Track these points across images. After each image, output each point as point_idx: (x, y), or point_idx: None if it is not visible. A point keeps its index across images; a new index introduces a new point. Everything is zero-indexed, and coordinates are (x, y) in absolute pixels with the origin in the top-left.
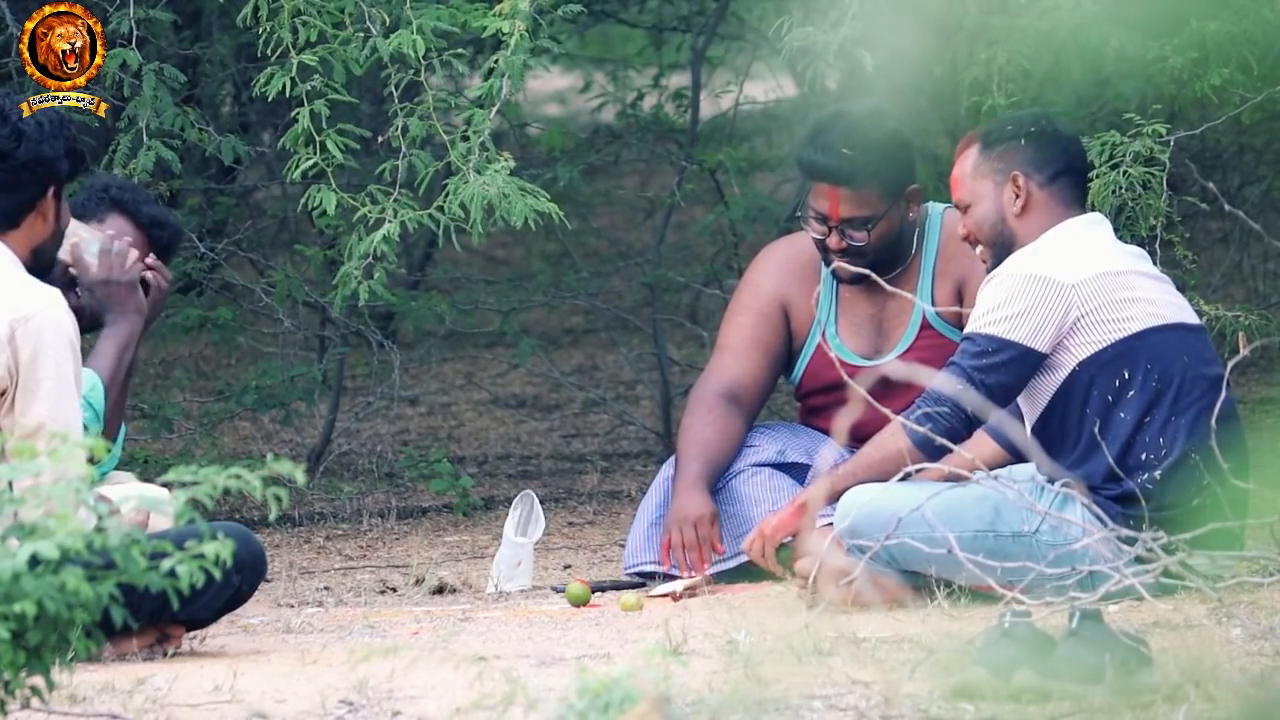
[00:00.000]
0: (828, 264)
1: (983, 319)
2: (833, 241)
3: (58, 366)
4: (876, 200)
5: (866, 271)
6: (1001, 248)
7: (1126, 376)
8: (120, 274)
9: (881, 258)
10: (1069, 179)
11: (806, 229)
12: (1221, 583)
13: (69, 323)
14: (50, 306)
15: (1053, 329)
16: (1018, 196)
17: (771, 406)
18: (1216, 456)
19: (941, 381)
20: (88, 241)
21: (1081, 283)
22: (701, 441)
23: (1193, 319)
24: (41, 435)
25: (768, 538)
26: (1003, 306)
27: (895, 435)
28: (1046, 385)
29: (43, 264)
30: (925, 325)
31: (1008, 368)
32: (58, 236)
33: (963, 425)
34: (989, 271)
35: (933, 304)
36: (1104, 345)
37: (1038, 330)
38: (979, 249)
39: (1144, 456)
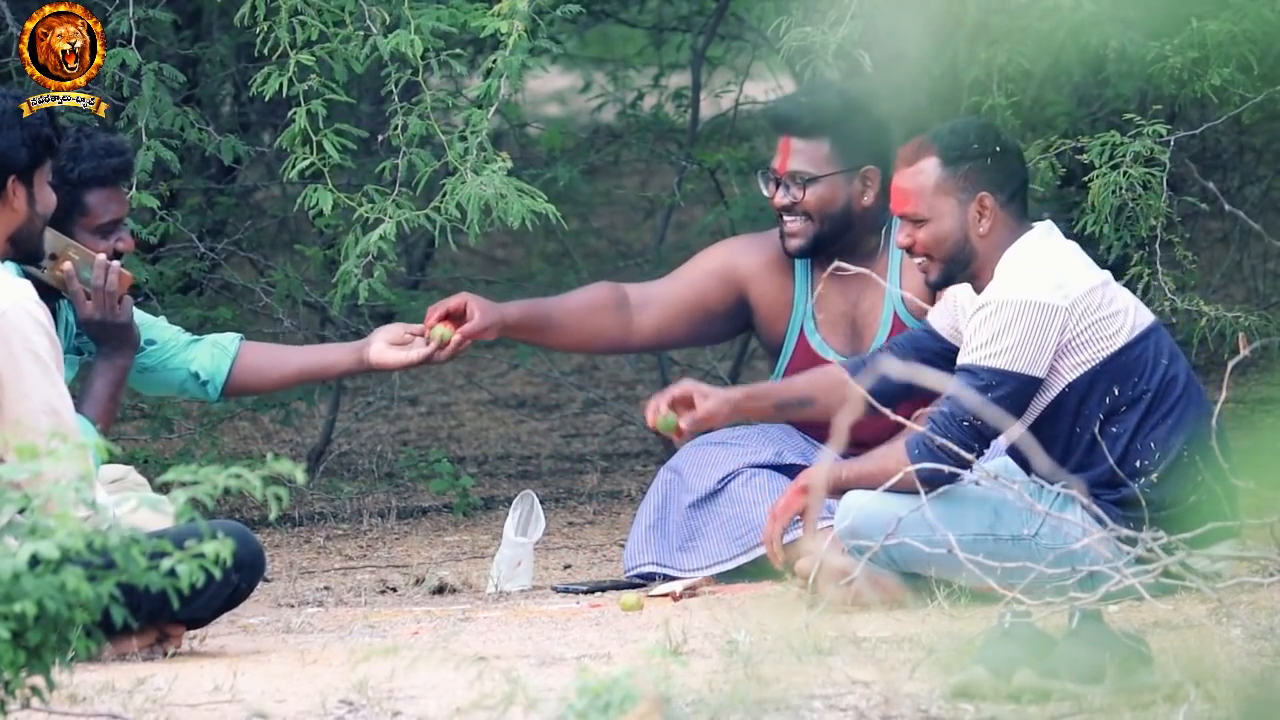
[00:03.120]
0: (783, 240)
1: (981, 350)
2: (777, 197)
3: (37, 357)
4: (824, 159)
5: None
6: (957, 265)
7: (1116, 392)
8: (113, 315)
9: (828, 234)
10: (1022, 194)
11: (764, 195)
12: (1221, 582)
13: (41, 313)
14: (20, 299)
15: (1050, 352)
16: (982, 216)
17: None
18: (1206, 451)
19: (946, 416)
20: (80, 265)
21: (1073, 305)
22: (558, 299)
23: (1151, 315)
24: (36, 427)
25: (776, 517)
26: (1000, 337)
27: (900, 460)
28: (1035, 405)
29: (24, 251)
30: (897, 320)
31: (1012, 397)
32: (35, 221)
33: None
34: (930, 281)
35: (900, 297)
36: (1092, 365)
37: (1037, 357)
38: (922, 260)
39: (1139, 463)
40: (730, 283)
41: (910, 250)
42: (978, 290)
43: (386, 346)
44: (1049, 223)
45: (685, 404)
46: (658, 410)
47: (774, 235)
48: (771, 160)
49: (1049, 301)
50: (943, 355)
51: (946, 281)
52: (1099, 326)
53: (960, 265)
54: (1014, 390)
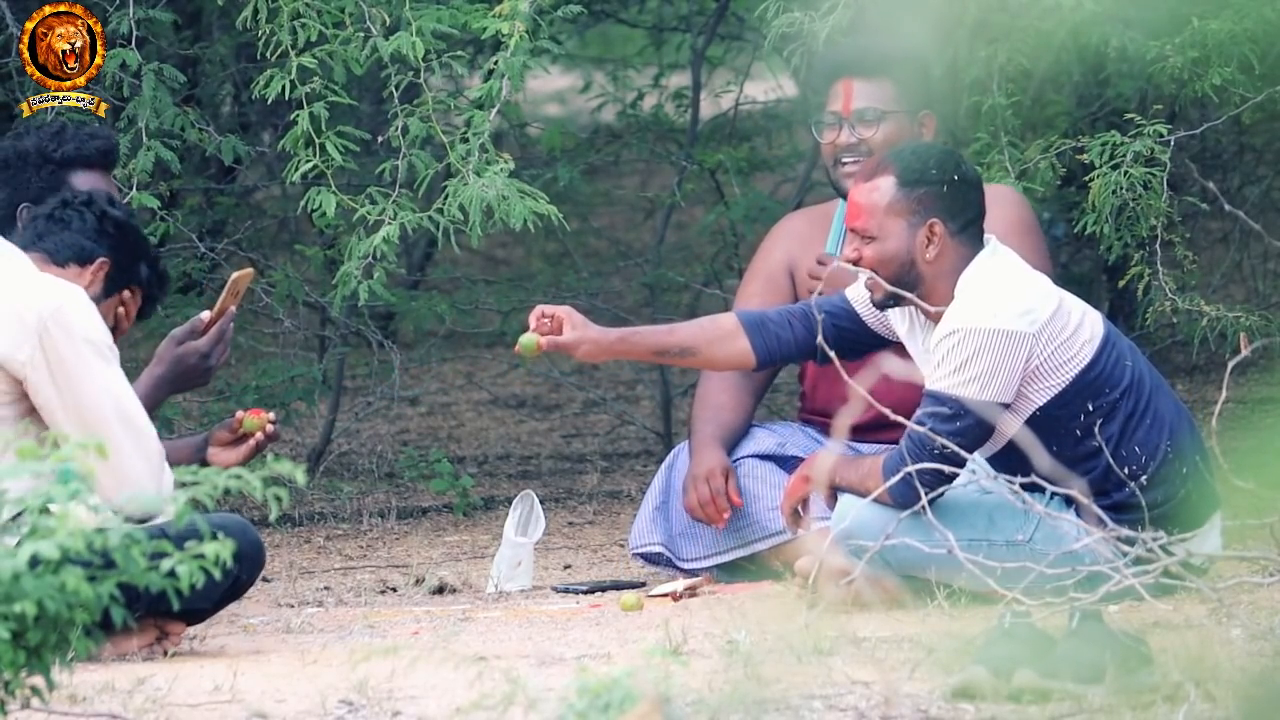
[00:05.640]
0: (839, 192)
1: (948, 379)
2: (843, 138)
3: (95, 346)
4: (891, 97)
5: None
6: (902, 286)
7: (1090, 408)
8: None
9: None
10: (976, 227)
11: (821, 142)
12: (1221, 581)
13: (95, 311)
14: (75, 295)
15: (1017, 379)
16: (930, 242)
17: (771, 406)
18: (1185, 437)
19: (917, 444)
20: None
21: (1039, 330)
22: (715, 406)
23: (1099, 315)
24: (100, 411)
25: (789, 497)
26: (967, 366)
27: (878, 479)
28: (1006, 425)
29: None
30: None
31: (980, 424)
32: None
33: (939, 483)
34: (874, 301)
35: None
36: (1062, 387)
37: (1005, 385)
38: (867, 277)
39: (1126, 470)
40: (788, 275)
41: (857, 263)
42: (925, 315)
43: (219, 450)
44: (994, 239)
45: (556, 327)
46: (526, 326)
47: (808, 213)
48: (828, 108)
49: (1017, 329)
50: (851, 335)
51: (890, 303)
52: (1064, 348)
53: (905, 288)
54: (982, 418)
